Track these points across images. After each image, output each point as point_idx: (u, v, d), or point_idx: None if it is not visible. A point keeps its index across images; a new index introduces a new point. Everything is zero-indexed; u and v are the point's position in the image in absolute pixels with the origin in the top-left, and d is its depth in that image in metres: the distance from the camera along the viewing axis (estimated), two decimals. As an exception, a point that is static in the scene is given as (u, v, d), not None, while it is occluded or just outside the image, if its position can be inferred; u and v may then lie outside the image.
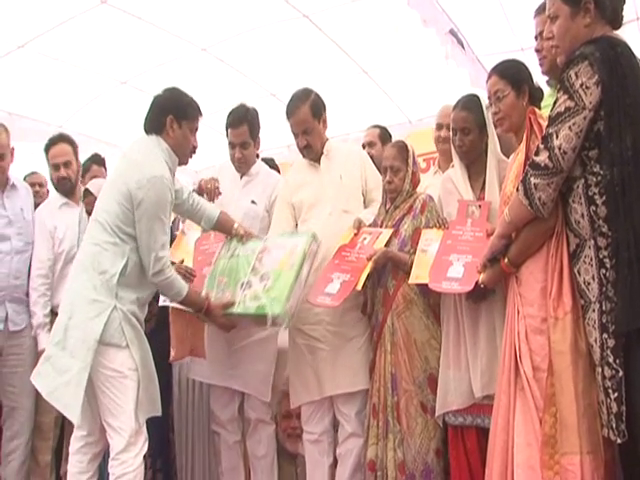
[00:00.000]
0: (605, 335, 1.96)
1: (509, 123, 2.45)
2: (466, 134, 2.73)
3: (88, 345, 2.46)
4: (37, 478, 3.42)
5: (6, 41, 5.19)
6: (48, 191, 4.46)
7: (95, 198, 2.98)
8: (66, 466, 2.85)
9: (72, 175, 3.59)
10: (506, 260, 2.26)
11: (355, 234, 2.93)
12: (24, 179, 3.98)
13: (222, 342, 3.20)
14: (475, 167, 2.78)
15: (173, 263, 3.04)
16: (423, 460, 2.69)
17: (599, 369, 1.99)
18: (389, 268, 2.85)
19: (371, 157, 3.41)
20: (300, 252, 2.80)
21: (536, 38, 2.95)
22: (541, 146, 2.07)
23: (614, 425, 1.93)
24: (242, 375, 3.19)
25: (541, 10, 2.77)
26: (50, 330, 2.92)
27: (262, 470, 3.25)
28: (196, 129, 2.80)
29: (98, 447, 2.64)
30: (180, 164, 2.78)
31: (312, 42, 5.48)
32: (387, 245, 2.84)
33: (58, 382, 2.48)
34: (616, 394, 1.92)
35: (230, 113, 3.37)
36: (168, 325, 3.14)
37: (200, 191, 3.24)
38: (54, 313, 3.09)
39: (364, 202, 3.13)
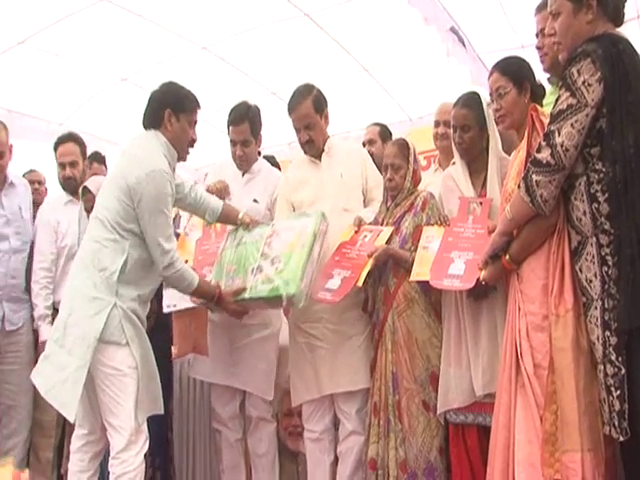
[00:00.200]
0: (607, 333, 1.96)
1: (510, 120, 2.44)
2: (466, 131, 2.72)
3: (88, 343, 2.45)
4: (38, 475, 3.41)
5: (6, 37, 5.18)
6: (47, 189, 4.46)
7: (94, 196, 3.00)
8: (67, 464, 2.83)
9: (77, 175, 3.60)
10: (507, 257, 2.26)
11: (355, 232, 2.93)
12: (23, 176, 3.98)
13: (224, 340, 3.20)
14: (476, 165, 2.78)
15: None
16: (426, 458, 2.68)
17: (601, 367, 1.98)
18: (390, 266, 2.85)
19: (371, 155, 3.40)
20: (310, 232, 2.81)
21: (537, 35, 2.95)
22: (543, 143, 2.06)
23: (616, 423, 1.92)
24: (244, 373, 3.18)
25: (542, 7, 2.77)
26: (52, 322, 2.92)
27: (263, 468, 3.25)
28: (195, 122, 2.78)
29: (99, 446, 2.63)
30: (179, 159, 2.77)
31: (313, 40, 5.49)
32: (388, 243, 2.83)
33: (55, 380, 2.47)
34: (618, 392, 1.92)
35: (232, 111, 3.36)
36: (168, 323, 3.14)
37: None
38: (56, 309, 3.09)
39: (364, 201, 3.12)
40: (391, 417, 2.74)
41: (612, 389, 1.94)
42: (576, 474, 1.96)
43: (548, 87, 2.75)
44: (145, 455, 2.55)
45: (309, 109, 3.06)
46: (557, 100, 2.05)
